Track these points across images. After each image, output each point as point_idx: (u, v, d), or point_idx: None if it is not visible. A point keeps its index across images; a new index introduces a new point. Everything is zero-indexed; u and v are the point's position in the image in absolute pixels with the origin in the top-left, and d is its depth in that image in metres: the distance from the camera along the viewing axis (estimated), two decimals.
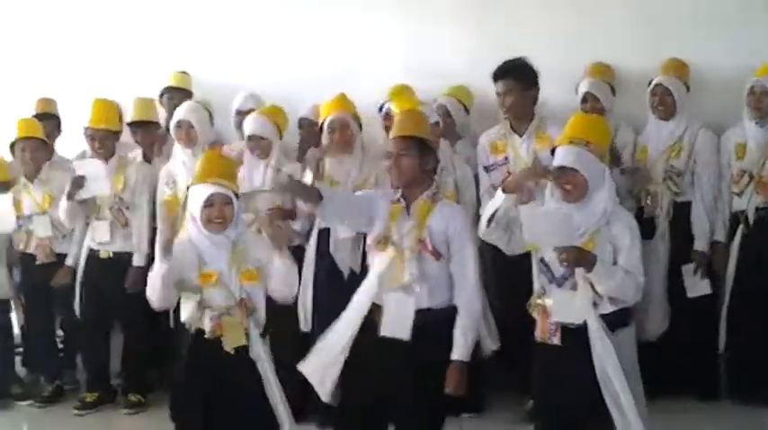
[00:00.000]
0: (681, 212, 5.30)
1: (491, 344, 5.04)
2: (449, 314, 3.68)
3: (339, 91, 5.35)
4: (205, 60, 6.48)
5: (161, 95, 6.29)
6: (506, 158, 5.13)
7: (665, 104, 5.31)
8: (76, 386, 6.07)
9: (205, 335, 3.76)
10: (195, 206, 3.80)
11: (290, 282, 3.92)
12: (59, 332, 6.09)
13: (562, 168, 3.64)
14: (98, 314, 5.69)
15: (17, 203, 5.79)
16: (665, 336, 5.23)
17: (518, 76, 4.99)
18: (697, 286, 5.24)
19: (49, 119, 6.17)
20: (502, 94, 5.04)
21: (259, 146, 5.28)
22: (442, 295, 3.72)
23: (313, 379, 3.85)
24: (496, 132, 5.22)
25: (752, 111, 5.18)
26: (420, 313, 3.66)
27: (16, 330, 6.13)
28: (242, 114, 5.74)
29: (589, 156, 3.63)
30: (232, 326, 3.77)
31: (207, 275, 3.77)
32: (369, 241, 3.83)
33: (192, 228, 3.84)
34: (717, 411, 5.01)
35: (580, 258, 3.52)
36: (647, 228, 5.17)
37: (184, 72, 6.40)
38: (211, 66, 6.46)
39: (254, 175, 5.30)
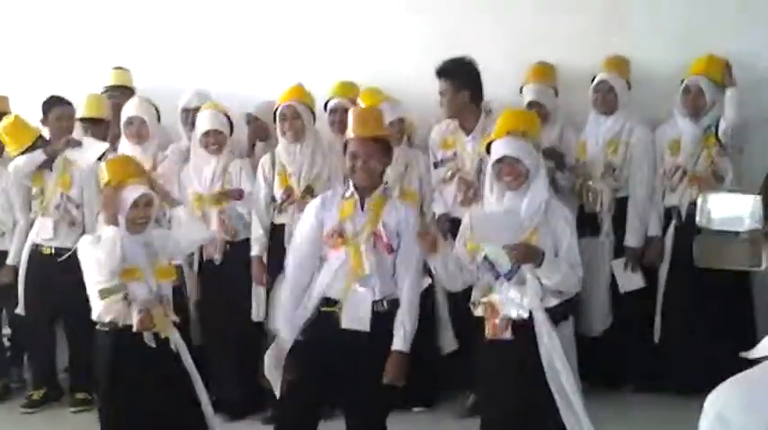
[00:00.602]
0: (622, 208, 5.39)
1: (451, 343, 5.24)
2: (395, 306, 3.78)
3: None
4: (148, 57, 6.46)
5: (103, 93, 6.23)
6: (455, 154, 5.23)
7: (606, 100, 5.41)
8: (23, 384, 6.06)
9: (133, 329, 3.85)
10: (122, 207, 3.88)
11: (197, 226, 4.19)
12: (6, 330, 6.06)
13: (501, 160, 3.74)
14: (43, 311, 5.66)
15: None
16: (606, 331, 5.38)
17: (452, 76, 5.09)
18: (630, 281, 5.35)
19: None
20: (439, 93, 5.14)
21: (216, 140, 5.33)
22: (390, 288, 3.81)
23: (272, 378, 3.91)
24: (446, 128, 5.30)
25: (686, 109, 5.27)
26: (374, 304, 3.75)
27: None
28: (188, 111, 5.74)
29: (527, 145, 3.76)
30: (160, 316, 3.91)
31: (130, 271, 3.88)
32: (324, 236, 3.83)
33: (113, 228, 3.89)
34: (653, 401, 5.14)
35: (529, 254, 3.62)
36: (589, 224, 5.32)
37: (124, 68, 6.35)
38: (154, 62, 6.44)
39: (205, 171, 5.36)
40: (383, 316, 3.75)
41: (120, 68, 6.33)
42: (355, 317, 3.73)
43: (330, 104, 5.72)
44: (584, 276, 5.10)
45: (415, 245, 3.77)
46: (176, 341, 4.02)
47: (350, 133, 3.87)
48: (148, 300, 3.89)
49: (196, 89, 5.95)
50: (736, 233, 2.05)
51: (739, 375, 1.38)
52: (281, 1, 6.37)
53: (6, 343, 6.13)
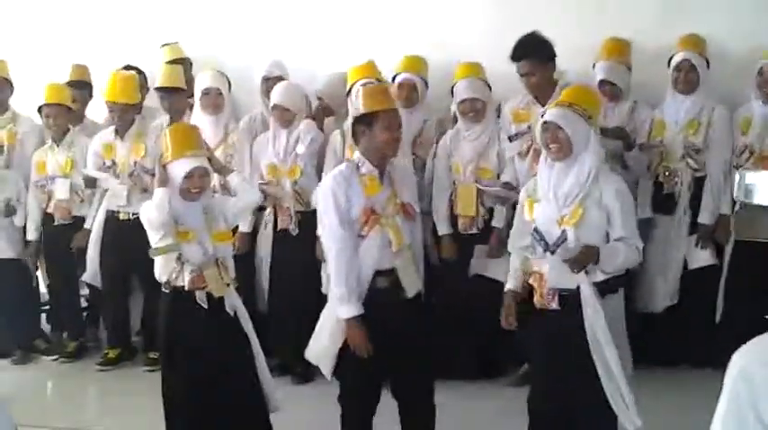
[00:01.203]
0: (700, 187, 5.37)
1: None
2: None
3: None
4: (211, 33, 6.64)
5: None
6: (529, 127, 5.19)
7: (689, 80, 5.37)
8: (98, 343, 6.33)
9: (185, 288, 4.01)
10: (176, 177, 4.04)
11: (247, 189, 4.26)
12: (84, 291, 6.32)
13: (546, 126, 3.78)
14: (118, 273, 5.90)
15: (41, 164, 6.06)
16: (669, 308, 5.40)
17: (536, 55, 5.05)
18: (699, 257, 5.35)
19: (82, 86, 6.41)
20: (523, 74, 5.09)
21: (283, 116, 5.45)
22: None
23: (317, 362, 4.01)
24: (520, 101, 5.30)
25: (759, 92, 5.24)
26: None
27: (43, 289, 6.39)
28: (269, 80, 5.83)
29: (572, 114, 3.75)
30: (213, 277, 4.03)
31: (183, 233, 4.03)
32: (354, 217, 3.85)
33: (167, 194, 4.05)
34: (711, 378, 5.13)
35: (586, 258, 3.64)
36: (665, 203, 5.35)
37: (174, 43, 6.51)
38: (218, 38, 6.61)
39: (279, 142, 5.52)
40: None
41: (170, 44, 6.50)
42: (411, 283, 3.87)
43: (398, 79, 5.78)
44: (657, 253, 5.23)
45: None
46: (233, 304, 4.13)
47: (377, 105, 3.87)
48: (203, 262, 4.03)
49: (275, 59, 6.04)
50: None
51: (763, 335, 1.44)
52: None
53: (84, 303, 6.40)
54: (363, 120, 3.89)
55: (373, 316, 3.80)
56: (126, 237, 5.62)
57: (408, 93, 5.67)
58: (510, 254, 4.07)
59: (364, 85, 4.79)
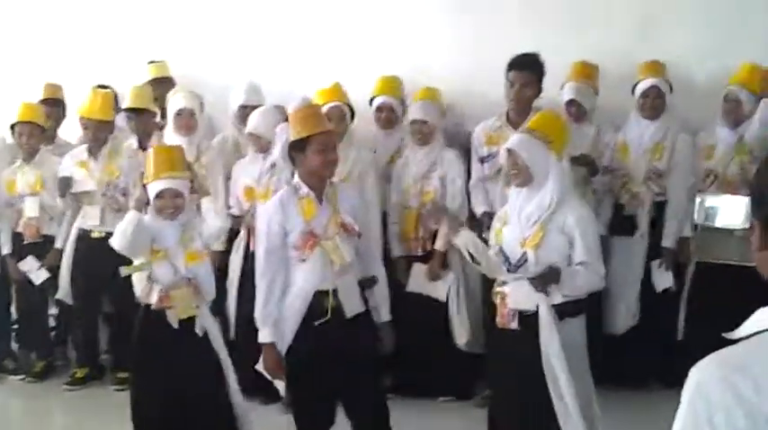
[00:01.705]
0: (661, 211, 5.47)
1: (462, 336, 5.41)
2: (368, 283, 4.01)
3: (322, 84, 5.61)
4: (189, 51, 6.68)
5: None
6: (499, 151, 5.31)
7: (655, 106, 5.47)
8: (67, 362, 6.31)
9: (151, 307, 4.08)
10: (150, 196, 4.15)
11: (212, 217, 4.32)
12: (53, 310, 6.31)
13: (509, 153, 3.87)
14: (89, 291, 5.89)
15: (11, 182, 6.06)
16: (630, 329, 5.48)
17: (536, 70, 5.14)
18: (663, 280, 5.44)
19: (55, 104, 6.43)
20: (518, 84, 5.11)
21: (258, 143, 5.48)
22: (360, 266, 4.02)
23: (269, 375, 4.04)
24: (492, 124, 5.33)
25: (725, 118, 5.35)
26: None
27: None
28: (246, 108, 5.80)
29: (532, 141, 3.82)
30: (179, 297, 4.09)
31: (155, 252, 4.12)
32: (292, 242, 3.89)
33: (149, 213, 4.18)
34: (677, 398, 5.22)
35: (548, 279, 3.71)
36: (625, 225, 5.43)
37: (161, 61, 6.55)
38: (196, 56, 6.66)
39: (255, 166, 5.53)
40: (363, 294, 3.98)
41: (157, 62, 6.54)
42: (352, 303, 3.90)
43: (375, 102, 5.87)
44: (617, 274, 5.30)
45: (369, 221, 4.04)
46: (203, 325, 4.17)
47: (310, 130, 3.88)
48: (172, 281, 4.09)
49: (252, 84, 6.05)
50: (731, 230, 2.17)
51: (721, 350, 1.50)
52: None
53: (53, 322, 6.39)
54: (297, 146, 3.92)
55: (313, 337, 3.85)
56: (97, 256, 5.61)
57: (387, 115, 5.80)
58: None
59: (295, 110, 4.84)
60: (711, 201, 2.09)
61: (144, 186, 4.20)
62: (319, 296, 3.87)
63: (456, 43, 6.18)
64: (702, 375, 1.45)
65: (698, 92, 5.67)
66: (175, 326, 4.09)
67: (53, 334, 6.41)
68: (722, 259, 3.66)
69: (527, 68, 5.12)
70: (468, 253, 3.86)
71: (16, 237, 6.10)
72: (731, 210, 2.05)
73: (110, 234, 5.51)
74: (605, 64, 5.82)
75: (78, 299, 5.94)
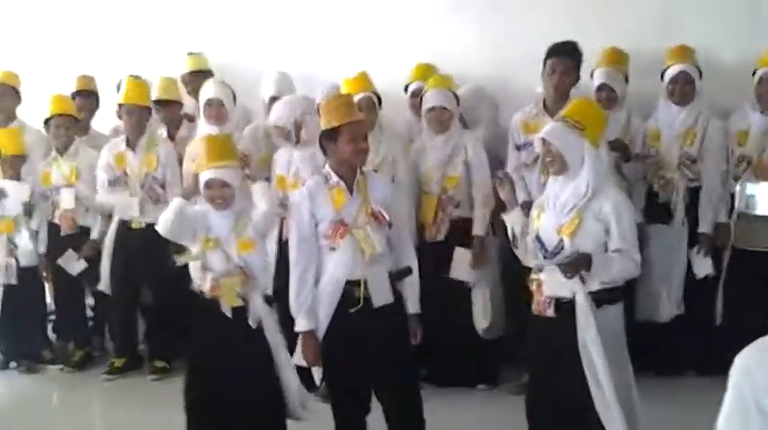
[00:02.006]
0: (695, 198, 5.45)
1: (481, 323, 5.43)
2: (399, 274, 4.00)
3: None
4: (221, 41, 6.74)
5: (183, 81, 6.49)
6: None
7: (684, 92, 5.46)
8: (104, 353, 6.40)
9: (204, 295, 4.10)
10: (201, 188, 4.17)
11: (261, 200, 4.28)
12: (89, 300, 6.40)
13: (543, 143, 3.85)
14: (127, 283, 5.97)
15: (46, 175, 6.16)
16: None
17: (576, 57, 5.20)
18: (704, 267, 5.41)
19: (88, 96, 6.51)
20: (558, 72, 5.19)
21: (283, 133, 5.45)
22: (392, 257, 4.03)
23: (307, 363, 4.10)
24: (529, 112, 5.39)
25: (759, 102, 5.33)
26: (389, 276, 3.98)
27: (48, 298, 6.45)
28: (277, 100, 5.78)
29: (565, 129, 3.81)
30: (227, 287, 4.09)
31: (206, 241, 4.13)
32: (323, 231, 3.94)
33: (180, 205, 4.18)
34: (715, 384, 5.21)
35: (579, 265, 3.68)
36: (661, 213, 5.43)
37: (199, 53, 6.59)
38: (228, 46, 6.72)
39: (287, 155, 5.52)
40: (394, 285, 3.98)
41: (195, 53, 6.59)
42: (381, 293, 3.91)
43: (411, 87, 5.92)
44: (658, 263, 5.30)
45: (403, 212, 4.06)
46: (257, 314, 4.14)
47: (341, 119, 3.92)
48: (225, 270, 4.11)
49: (282, 75, 6.11)
50: None
51: (763, 337, 1.53)
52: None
53: (90, 313, 6.48)
54: (328, 135, 3.95)
55: (346, 324, 3.89)
56: (137, 247, 5.73)
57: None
58: None
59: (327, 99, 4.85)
60: (752, 188, 2.09)
61: (196, 175, 4.23)
62: (350, 285, 3.90)
63: (484, 33, 6.21)
64: (748, 360, 1.55)
65: (727, 75, 5.63)
66: (228, 314, 4.11)
67: (90, 324, 6.48)
68: (762, 246, 3.65)
69: (567, 55, 5.18)
70: (513, 233, 3.91)
71: (52, 229, 6.18)
72: None
73: (149, 225, 5.64)
74: (633, 51, 5.81)
75: (117, 289, 6.01)
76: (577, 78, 5.24)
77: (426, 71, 6.00)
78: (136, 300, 6.10)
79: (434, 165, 5.51)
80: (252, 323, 4.13)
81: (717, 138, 5.44)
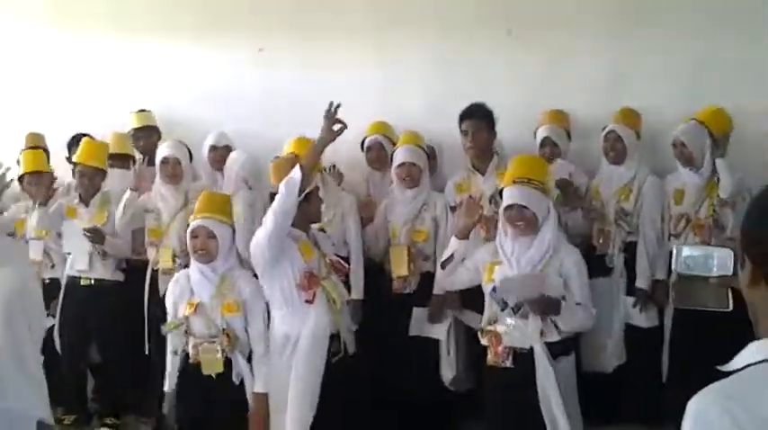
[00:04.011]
0: (632, 251, 5.66)
1: (448, 373, 5.49)
2: None
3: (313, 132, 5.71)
4: (179, 101, 6.92)
5: (130, 135, 6.60)
6: (471, 197, 5.47)
7: (615, 150, 5.70)
8: (54, 410, 6.38)
9: (189, 360, 4.21)
10: (188, 241, 4.27)
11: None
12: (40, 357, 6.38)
13: (511, 207, 4.07)
14: (78, 339, 5.99)
15: (20, 223, 6.19)
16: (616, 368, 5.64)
17: (486, 117, 5.49)
18: (642, 319, 5.61)
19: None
20: (470, 132, 5.49)
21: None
22: None
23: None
24: (460, 175, 5.70)
25: (680, 162, 5.56)
26: None
27: None
28: (216, 150, 6.12)
29: (533, 192, 4.07)
30: (209, 353, 4.19)
31: (191, 304, 4.22)
32: (293, 282, 4.15)
33: (192, 262, 4.31)
34: None
35: (548, 306, 3.93)
36: (600, 266, 5.58)
37: (145, 110, 6.73)
38: (184, 106, 6.89)
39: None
40: None
41: (142, 111, 6.72)
42: (350, 339, 4.21)
43: (366, 142, 6.14)
44: (600, 315, 5.46)
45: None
46: (240, 372, 4.27)
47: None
48: (209, 335, 4.22)
49: (221, 131, 6.31)
50: (707, 278, 2.36)
51: (715, 383, 1.61)
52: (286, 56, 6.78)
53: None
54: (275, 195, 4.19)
55: (334, 375, 4.12)
56: (86, 304, 5.78)
57: (378, 154, 6.07)
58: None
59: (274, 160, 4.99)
60: (688, 251, 2.30)
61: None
62: (331, 338, 4.13)
63: (430, 95, 6.46)
64: (701, 404, 1.60)
65: (670, 135, 5.82)
66: (213, 375, 4.22)
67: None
68: (700, 306, 3.86)
69: (476, 116, 5.49)
70: (452, 258, 4.23)
71: None
72: (707, 260, 2.26)
73: (98, 280, 5.82)
74: (579, 112, 6.11)
75: (66, 346, 6.00)
76: (494, 135, 5.53)
77: (381, 127, 6.23)
78: (85, 357, 6.12)
79: (403, 219, 5.63)
80: (235, 379, 4.25)
81: (651, 195, 5.67)
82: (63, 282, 6.03)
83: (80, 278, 5.95)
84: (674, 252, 2.46)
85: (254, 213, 5.31)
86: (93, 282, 5.88)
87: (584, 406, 4.23)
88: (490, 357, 4.09)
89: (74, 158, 6.10)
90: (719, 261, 2.25)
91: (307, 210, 4.15)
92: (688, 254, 2.40)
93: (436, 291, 5.51)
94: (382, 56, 6.60)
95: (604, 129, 5.79)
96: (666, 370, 5.56)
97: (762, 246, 1.65)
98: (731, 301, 3.78)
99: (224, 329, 4.23)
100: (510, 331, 4.00)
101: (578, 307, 4.01)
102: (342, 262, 4.23)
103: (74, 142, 6.37)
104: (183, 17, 6.94)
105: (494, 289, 4.09)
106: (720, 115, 5.55)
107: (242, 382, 4.27)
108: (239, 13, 6.84)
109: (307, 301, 4.09)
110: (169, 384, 4.29)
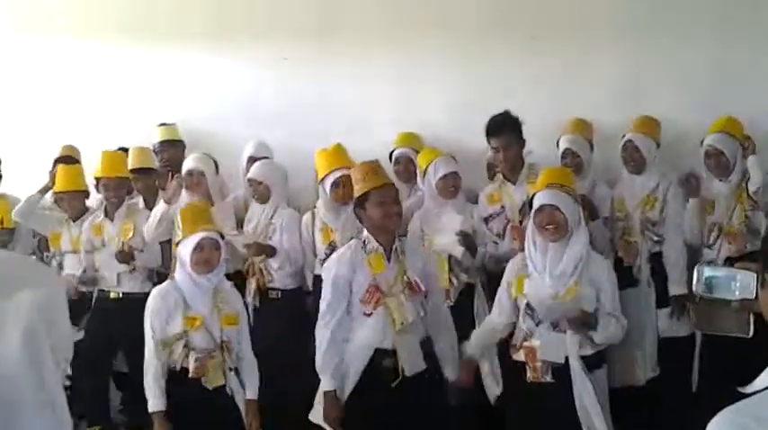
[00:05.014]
0: (658, 261, 5.65)
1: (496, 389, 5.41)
2: (431, 342, 4.18)
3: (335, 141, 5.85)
4: (204, 115, 7.00)
5: (154, 150, 6.65)
6: (503, 207, 5.58)
7: (634, 159, 5.69)
8: (78, 421, 6.49)
9: (189, 375, 4.23)
10: (185, 253, 4.29)
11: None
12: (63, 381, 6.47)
13: (542, 209, 4.09)
14: (103, 352, 6.07)
15: (56, 237, 6.28)
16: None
17: (515, 130, 5.48)
18: (677, 328, 5.59)
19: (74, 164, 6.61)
20: (501, 148, 5.49)
21: (257, 190, 5.83)
22: (425, 326, 4.21)
23: (326, 425, 4.22)
24: (491, 186, 5.70)
25: (711, 172, 5.53)
26: (421, 345, 4.13)
27: None
28: (255, 161, 6.08)
29: (565, 196, 4.11)
30: (214, 367, 4.26)
31: (191, 319, 4.25)
32: (358, 296, 4.11)
33: (178, 275, 4.33)
34: None
35: (584, 322, 3.96)
36: (627, 277, 5.53)
37: (171, 123, 6.81)
38: (211, 120, 6.96)
39: (253, 219, 5.88)
40: (427, 353, 4.13)
41: (165, 124, 6.80)
42: (412, 362, 4.06)
43: (395, 154, 6.18)
44: (631, 327, 5.49)
45: (439, 282, 4.19)
46: (232, 386, 4.34)
47: (369, 185, 4.12)
48: (208, 349, 4.26)
49: (260, 141, 6.39)
50: (728, 302, 2.37)
51: (737, 403, 1.64)
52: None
53: (67, 381, 6.58)
54: (358, 202, 4.17)
55: (371, 392, 4.04)
56: (114, 317, 5.84)
57: (405, 166, 6.11)
58: None
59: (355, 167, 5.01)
60: (710, 271, 2.31)
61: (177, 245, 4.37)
62: (379, 354, 4.05)
63: (453, 103, 6.50)
64: (720, 424, 1.64)
65: (693, 144, 5.80)
66: (210, 388, 4.26)
67: (67, 392, 6.55)
68: (720, 331, 3.84)
69: (504, 131, 5.47)
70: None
71: None
72: (729, 282, 2.26)
73: (126, 295, 5.89)
74: (598, 121, 6.12)
75: (92, 358, 6.02)
76: (523, 143, 5.53)
77: (410, 139, 6.28)
78: (110, 369, 6.20)
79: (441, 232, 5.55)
80: (229, 391, 4.31)
81: (676, 205, 5.66)
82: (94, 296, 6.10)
83: (109, 292, 6.03)
84: (696, 272, 2.47)
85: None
86: (121, 295, 5.96)
87: (617, 420, 4.25)
88: (530, 373, 4.10)
89: (94, 174, 6.16)
90: (742, 283, 2.24)
91: (369, 220, 4.11)
92: (710, 274, 2.40)
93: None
94: (403, 64, 6.65)
95: (623, 137, 5.79)
96: (696, 380, 5.52)
97: None
98: (752, 327, 3.79)
99: (224, 342, 4.29)
100: (544, 345, 4.03)
101: (610, 318, 4.03)
102: (420, 283, 4.12)
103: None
104: (198, 25, 7.04)
105: (527, 304, 4.11)
106: (734, 121, 5.56)
107: (232, 393, 4.34)
108: (259, 23, 6.92)
109: (365, 314, 4.09)
110: (160, 403, 4.25)
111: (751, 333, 3.18)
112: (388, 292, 4.07)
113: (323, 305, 4.17)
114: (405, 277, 4.10)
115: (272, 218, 5.83)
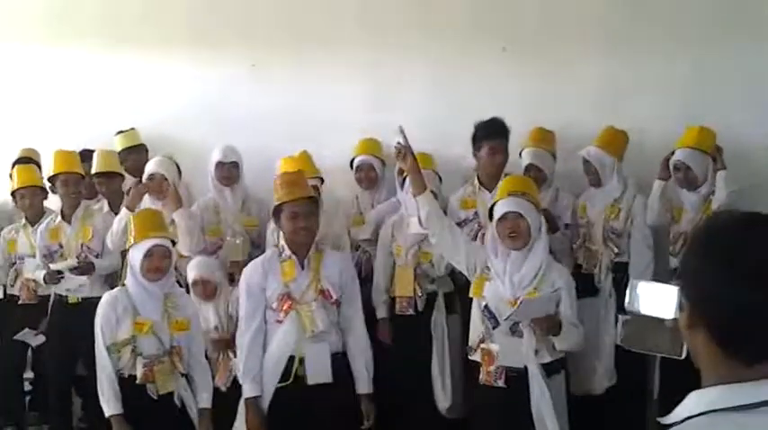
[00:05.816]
0: (621, 271, 5.63)
1: (445, 401, 5.47)
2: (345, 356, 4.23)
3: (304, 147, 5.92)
4: (172, 120, 6.94)
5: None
6: (476, 214, 5.58)
7: (589, 174, 5.74)
8: (40, 428, 6.44)
9: (136, 381, 4.22)
10: (136, 259, 4.28)
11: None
12: (28, 373, 6.46)
13: (505, 217, 4.11)
14: (64, 357, 6.01)
15: (12, 242, 6.23)
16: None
17: (506, 137, 5.53)
18: None
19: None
20: (492, 152, 5.52)
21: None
22: (340, 337, 4.27)
23: None
24: (464, 191, 5.71)
25: (681, 185, 5.54)
26: (332, 356, 4.19)
27: None
28: (224, 166, 6.08)
29: (528, 204, 4.14)
30: (162, 373, 4.25)
31: (141, 324, 4.26)
32: (270, 303, 4.22)
33: (129, 281, 4.33)
34: None
35: (552, 326, 3.99)
36: (587, 286, 5.54)
37: (129, 129, 6.75)
38: (179, 125, 6.91)
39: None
40: (340, 365, 4.19)
41: (124, 131, 6.74)
42: (318, 371, 4.13)
43: (356, 161, 6.18)
44: (588, 336, 5.50)
45: (358, 292, 4.29)
46: (181, 395, 4.33)
47: (283, 197, 4.21)
48: (157, 355, 4.26)
49: (228, 145, 6.26)
50: (661, 320, 2.33)
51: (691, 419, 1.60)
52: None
53: (28, 386, 6.53)
54: (275, 211, 4.28)
55: (287, 399, 4.11)
56: (73, 321, 5.77)
57: (367, 174, 6.10)
58: None
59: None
60: (644, 286, 2.27)
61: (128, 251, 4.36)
62: (291, 361, 4.13)
63: (425, 110, 6.45)
64: None
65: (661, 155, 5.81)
66: (155, 397, 4.24)
67: (28, 399, 6.53)
68: (651, 350, 3.84)
69: (499, 136, 5.51)
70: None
71: (11, 298, 6.23)
72: (663, 299, 2.20)
73: (85, 299, 5.82)
74: (565, 130, 6.09)
75: (53, 364, 6.05)
76: (508, 154, 5.57)
77: (371, 146, 6.27)
78: (71, 374, 6.13)
79: (411, 240, 5.58)
80: (177, 402, 4.30)
81: (640, 215, 5.67)
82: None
83: (67, 296, 5.98)
84: (629, 287, 2.42)
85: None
86: (80, 299, 5.92)
87: (574, 427, 4.27)
88: (482, 376, 4.13)
89: (48, 174, 6.12)
90: (676, 301, 2.20)
91: (282, 228, 4.22)
92: (643, 290, 2.36)
93: None
94: (376, 71, 6.64)
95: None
96: (657, 388, 5.56)
97: (698, 283, 1.60)
98: (685, 349, 3.76)
99: (173, 347, 4.29)
100: (503, 350, 4.05)
101: (573, 326, 4.07)
102: (331, 291, 4.21)
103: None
104: (173, 32, 6.99)
105: (485, 306, 4.14)
106: (706, 132, 5.54)
107: (183, 405, 4.33)
108: (231, 29, 6.88)
109: (277, 321, 4.17)
110: (116, 407, 4.23)
111: (684, 354, 3.16)
112: (300, 300, 4.15)
113: (241, 313, 4.30)
114: (318, 285, 4.18)
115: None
